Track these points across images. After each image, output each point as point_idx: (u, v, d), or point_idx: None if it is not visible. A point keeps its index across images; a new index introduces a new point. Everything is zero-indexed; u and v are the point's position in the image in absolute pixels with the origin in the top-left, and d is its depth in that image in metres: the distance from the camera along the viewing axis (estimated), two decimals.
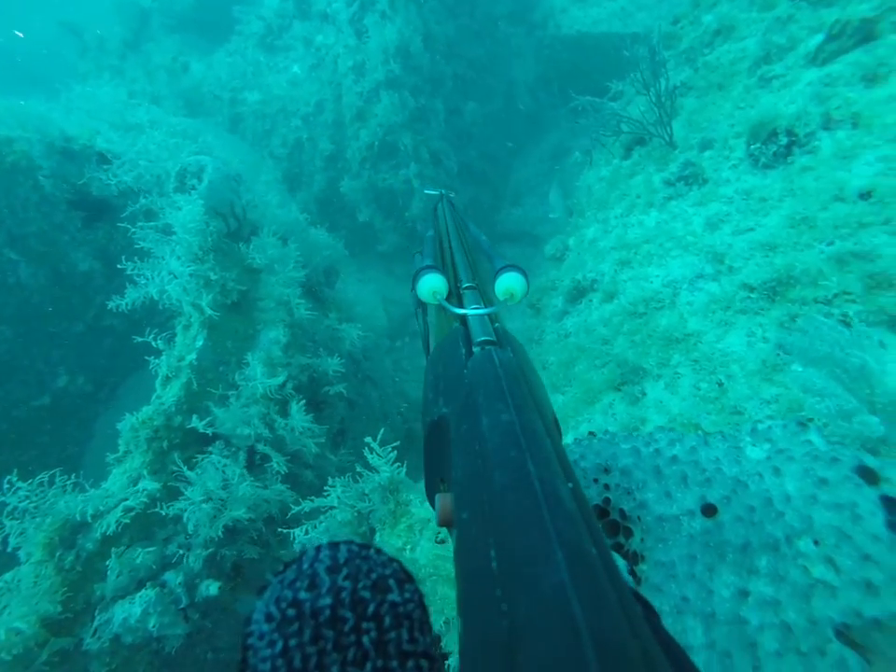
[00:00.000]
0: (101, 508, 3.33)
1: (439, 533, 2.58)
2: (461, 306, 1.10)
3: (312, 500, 3.19)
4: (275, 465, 3.91)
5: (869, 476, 1.31)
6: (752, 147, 3.34)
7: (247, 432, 3.72)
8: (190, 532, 3.30)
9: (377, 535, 2.87)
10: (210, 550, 3.41)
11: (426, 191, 4.05)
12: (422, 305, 1.78)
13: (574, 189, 11.74)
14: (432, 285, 1.24)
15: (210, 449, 3.63)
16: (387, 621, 0.38)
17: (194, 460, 3.54)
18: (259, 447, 3.84)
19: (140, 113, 7.04)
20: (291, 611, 0.38)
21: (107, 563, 3.20)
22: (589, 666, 0.36)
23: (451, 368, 0.89)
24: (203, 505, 3.35)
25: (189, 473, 3.40)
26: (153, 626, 2.95)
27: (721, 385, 2.59)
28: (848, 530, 1.24)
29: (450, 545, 2.57)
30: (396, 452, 3.10)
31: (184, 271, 3.96)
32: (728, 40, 4.64)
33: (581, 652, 0.37)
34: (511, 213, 12.08)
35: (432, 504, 0.82)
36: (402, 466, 3.12)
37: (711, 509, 1.37)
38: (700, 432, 1.84)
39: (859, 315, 2.30)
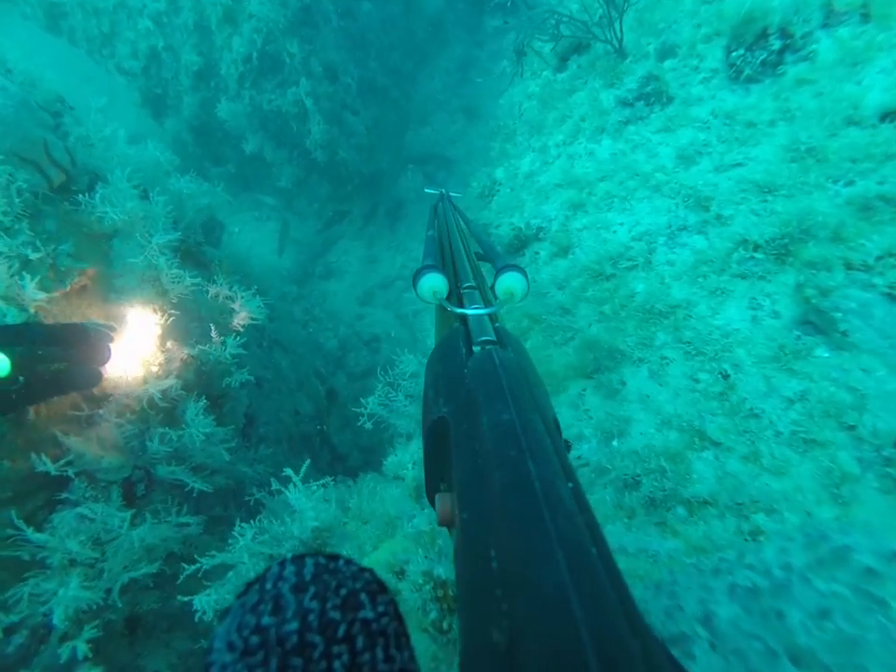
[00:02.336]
0: None
1: None
2: (461, 306, 1.07)
3: (213, 556, 2.38)
4: (193, 484, 3.01)
5: None
6: (734, 54, 2.57)
7: (117, 462, 2.74)
8: (52, 618, 2.38)
9: None
10: (89, 627, 2.52)
11: (426, 190, 3.68)
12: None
13: (496, 107, 10.59)
14: (432, 284, 1.21)
15: (66, 495, 2.62)
16: (360, 641, 0.35)
17: (42, 516, 2.54)
18: (137, 475, 2.88)
19: None
20: (255, 639, 0.34)
21: None
22: (589, 667, 0.35)
23: (451, 367, 0.86)
24: (67, 578, 2.42)
25: (36, 537, 2.42)
26: None
27: (725, 376, 1.99)
28: None
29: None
30: (324, 488, 2.33)
31: None
32: None
33: (581, 652, 0.36)
34: (419, 133, 10.76)
35: (433, 504, 0.78)
36: (330, 503, 2.36)
37: None
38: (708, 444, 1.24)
39: None
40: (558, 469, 0.55)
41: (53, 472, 2.52)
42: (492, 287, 1.28)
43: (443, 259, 1.66)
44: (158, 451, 2.95)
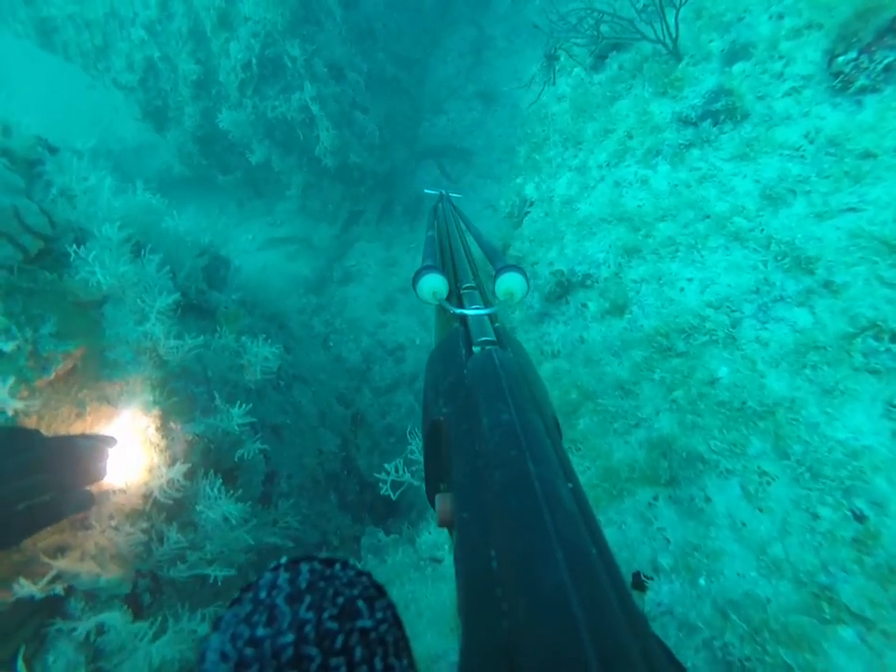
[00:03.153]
0: None
1: None
2: (461, 306, 1.05)
3: None
4: (213, 573, 2.71)
5: None
6: (842, 58, 1.98)
7: (116, 578, 2.42)
8: None
9: None
10: None
11: (426, 191, 3.58)
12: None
13: (516, 96, 9.83)
14: (432, 285, 1.17)
15: (53, 623, 2.30)
16: (358, 652, 0.34)
17: (32, 650, 2.24)
18: (142, 584, 2.57)
19: None
20: (249, 651, 0.32)
21: None
22: (589, 666, 0.34)
23: (451, 368, 0.84)
24: None
25: None
26: None
27: (860, 517, 1.50)
28: None
29: None
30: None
31: None
32: None
33: (581, 652, 0.35)
34: (434, 123, 10.10)
35: (432, 504, 0.76)
36: None
37: None
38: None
39: None
40: (558, 469, 0.54)
41: (39, 596, 2.20)
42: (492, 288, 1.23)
43: (443, 259, 1.62)
44: (166, 552, 2.63)
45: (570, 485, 0.53)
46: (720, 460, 1.80)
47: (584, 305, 2.64)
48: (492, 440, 0.59)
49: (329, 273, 9.40)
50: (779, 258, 1.92)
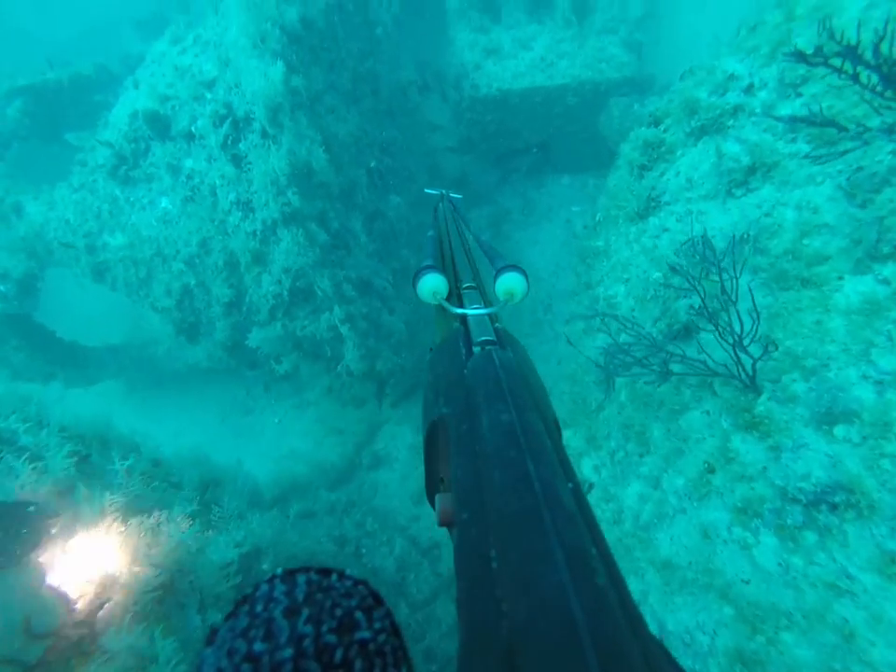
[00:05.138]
0: None
1: None
2: (461, 306, 1.07)
3: None
4: None
5: None
6: None
7: None
8: None
9: None
10: None
11: (426, 190, 3.85)
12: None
13: (538, 275, 10.11)
14: (432, 285, 1.16)
15: None
16: (358, 665, 0.33)
17: None
18: None
19: None
20: (247, 667, 0.31)
21: None
22: (589, 667, 0.34)
23: (451, 368, 0.85)
24: None
25: None
26: None
27: None
28: None
29: None
30: None
31: None
32: (769, 182, 3.05)
33: (580, 653, 0.35)
34: None
35: (432, 504, 0.76)
36: None
37: None
38: None
39: None
40: (558, 470, 0.55)
41: None
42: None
43: (443, 259, 1.62)
44: None
45: (570, 485, 0.53)
46: None
47: None
48: (492, 440, 0.58)
49: (357, 459, 9.12)
50: None
